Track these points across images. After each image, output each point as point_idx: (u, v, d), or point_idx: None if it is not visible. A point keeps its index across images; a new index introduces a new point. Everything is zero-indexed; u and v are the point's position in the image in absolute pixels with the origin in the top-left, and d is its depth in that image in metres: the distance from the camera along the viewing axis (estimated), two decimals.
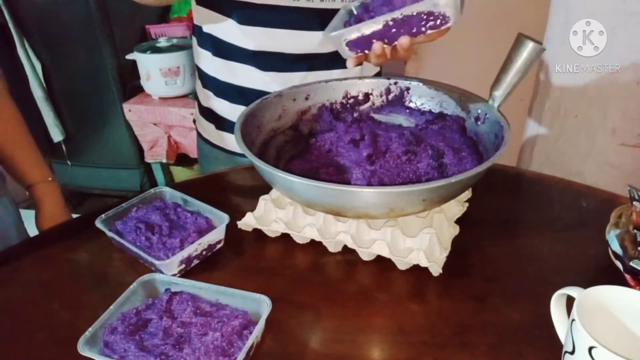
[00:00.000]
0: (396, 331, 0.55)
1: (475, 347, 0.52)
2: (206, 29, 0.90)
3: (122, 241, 0.65)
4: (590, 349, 0.40)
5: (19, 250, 0.73)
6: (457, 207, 0.71)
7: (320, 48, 0.86)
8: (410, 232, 0.65)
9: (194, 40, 0.97)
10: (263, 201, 0.72)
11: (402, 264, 0.63)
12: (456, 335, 0.54)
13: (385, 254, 0.63)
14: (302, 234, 0.68)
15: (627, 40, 0.83)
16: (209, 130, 1.00)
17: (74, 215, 0.89)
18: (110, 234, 0.66)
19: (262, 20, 0.83)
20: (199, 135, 1.04)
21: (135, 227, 0.67)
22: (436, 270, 0.61)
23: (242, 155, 0.73)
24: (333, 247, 0.67)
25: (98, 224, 0.68)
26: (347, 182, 0.67)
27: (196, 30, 0.95)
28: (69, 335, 0.52)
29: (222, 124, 0.96)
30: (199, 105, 1.02)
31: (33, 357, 0.55)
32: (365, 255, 0.65)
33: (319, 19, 0.81)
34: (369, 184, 0.66)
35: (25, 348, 0.56)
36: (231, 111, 0.93)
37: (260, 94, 0.81)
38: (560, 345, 0.47)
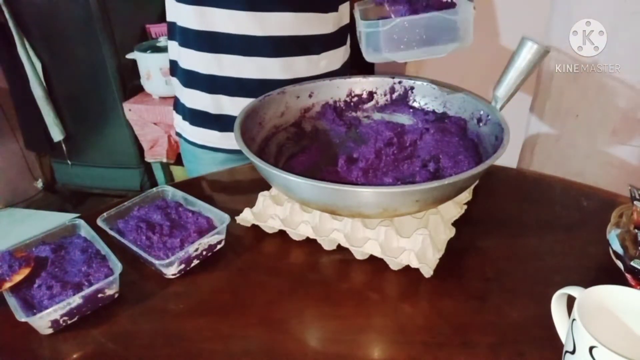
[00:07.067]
0: (396, 331, 0.55)
1: (475, 347, 0.52)
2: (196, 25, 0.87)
3: (123, 240, 0.65)
4: (591, 348, 0.40)
5: None
6: (455, 209, 0.71)
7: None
8: (405, 232, 0.65)
9: (173, 43, 0.93)
10: (262, 197, 0.72)
11: (394, 264, 0.62)
12: (456, 335, 0.54)
13: (377, 253, 0.63)
14: (297, 231, 0.68)
15: (628, 40, 0.83)
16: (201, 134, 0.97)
17: (74, 215, 0.89)
18: (111, 232, 0.66)
19: None
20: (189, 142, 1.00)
21: (136, 226, 0.67)
22: (427, 271, 0.61)
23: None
24: (328, 245, 0.67)
25: (99, 222, 0.68)
26: (346, 180, 0.67)
27: (178, 31, 0.90)
28: None
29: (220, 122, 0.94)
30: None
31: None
32: (359, 254, 0.65)
33: None
34: (367, 183, 0.66)
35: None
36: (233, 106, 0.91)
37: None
38: (561, 345, 0.47)
